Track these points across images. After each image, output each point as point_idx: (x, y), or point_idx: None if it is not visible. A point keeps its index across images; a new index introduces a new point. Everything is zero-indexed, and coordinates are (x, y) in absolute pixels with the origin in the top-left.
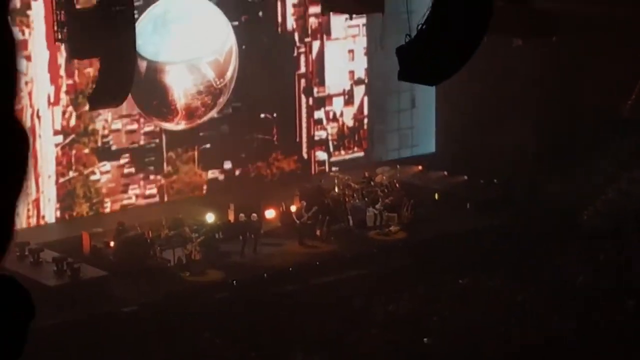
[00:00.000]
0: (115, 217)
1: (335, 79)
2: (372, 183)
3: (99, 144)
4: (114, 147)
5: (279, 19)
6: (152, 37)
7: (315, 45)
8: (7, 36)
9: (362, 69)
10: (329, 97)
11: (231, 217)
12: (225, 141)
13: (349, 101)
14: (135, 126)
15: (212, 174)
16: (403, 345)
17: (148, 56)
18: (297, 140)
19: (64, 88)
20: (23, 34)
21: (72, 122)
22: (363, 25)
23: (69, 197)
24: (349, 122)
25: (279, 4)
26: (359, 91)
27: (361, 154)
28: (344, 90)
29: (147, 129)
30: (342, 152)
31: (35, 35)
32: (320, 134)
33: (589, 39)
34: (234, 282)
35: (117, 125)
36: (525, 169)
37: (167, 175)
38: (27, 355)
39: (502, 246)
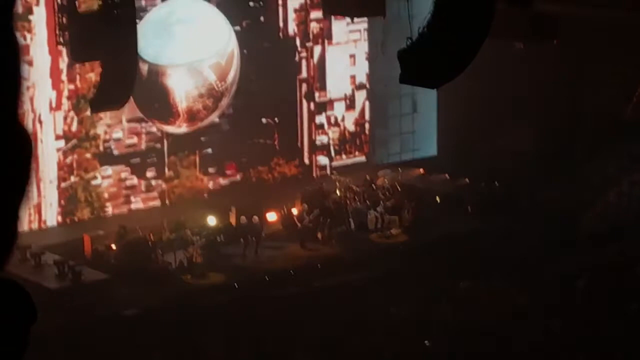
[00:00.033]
0: (117, 220)
1: (337, 83)
2: (373, 186)
3: (101, 148)
4: (115, 152)
5: (281, 24)
6: (153, 40)
7: (317, 50)
8: (11, 42)
9: (363, 74)
10: (331, 102)
11: (232, 220)
12: (227, 146)
13: (350, 106)
14: (136, 131)
15: (213, 178)
16: (404, 348)
17: (149, 59)
18: (299, 144)
19: (65, 93)
20: (25, 39)
21: (74, 127)
22: (364, 30)
23: (70, 201)
24: (351, 127)
25: (280, 8)
26: (361, 96)
27: (362, 158)
28: (345, 95)
29: (149, 133)
30: (344, 156)
31: (37, 40)
32: (321, 139)
33: (590, 42)
34: (236, 284)
35: (119, 130)
36: (527, 171)
37: (168, 179)
38: (29, 358)
39: (503, 249)
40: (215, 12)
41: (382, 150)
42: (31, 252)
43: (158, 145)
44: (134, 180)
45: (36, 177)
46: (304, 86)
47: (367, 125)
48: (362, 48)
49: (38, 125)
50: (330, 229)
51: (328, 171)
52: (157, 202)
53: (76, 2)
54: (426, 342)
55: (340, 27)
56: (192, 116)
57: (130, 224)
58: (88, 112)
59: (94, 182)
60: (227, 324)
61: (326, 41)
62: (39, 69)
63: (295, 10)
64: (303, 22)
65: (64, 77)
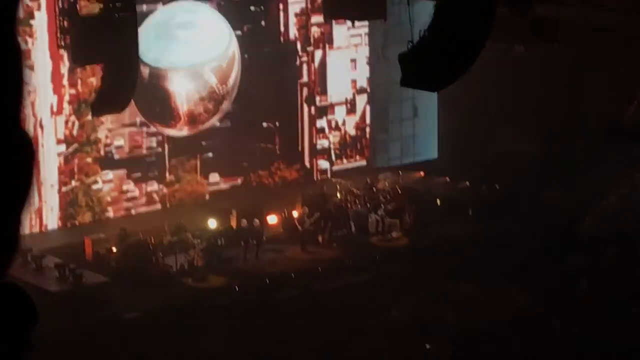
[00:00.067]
0: (118, 223)
1: (338, 88)
2: (374, 189)
3: (102, 153)
4: (116, 156)
5: (282, 28)
6: (154, 44)
7: (318, 54)
8: (14, 47)
9: (364, 78)
10: (331, 106)
11: (233, 223)
12: (228, 150)
13: (351, 110)
14: (137, 135)
15: (214, 182)
16: (405, 351)
17: (150, 62)
18: (299, 149)
19: (66, 97)
20: (26, 43)
21: (75, 131)
22: (365, 34)
23: (71, 206)
24: (351, 131)
25: (281, 13)
26: (361, 100)
27: (363, 162)
28: (346, 99)
29: (150, 137)
30: (344, 160)
31: (38, 44)
32: (322, 143)
33: (590, 45)
34: (236, 287)
35: (120, 134)
36: (527, 174)
37: (169, 184)
38: None
39: (503, 252)
40: (216, 16)
41: (382, 155)
42: (32, 255)
43: (159, 150)
44: (135, 185)
45: (37, 182)
46: (305, 90)
47: (367, 130)
48: (363, 52)
49: (39, 130)
50: (331, 232)
51: (329, 175)
52: (157, 206)
53: (77, 6)
54: (427, 345)
55: (341, 31)
56: (193, 119)
57: (131, 227)
58: (89, 117)
59: (94, 187)
60: (227, 327)
61: (327, 45)
62: (40, 74)
63: (296, 15)
64: (304, 27)
65: (65, 81)
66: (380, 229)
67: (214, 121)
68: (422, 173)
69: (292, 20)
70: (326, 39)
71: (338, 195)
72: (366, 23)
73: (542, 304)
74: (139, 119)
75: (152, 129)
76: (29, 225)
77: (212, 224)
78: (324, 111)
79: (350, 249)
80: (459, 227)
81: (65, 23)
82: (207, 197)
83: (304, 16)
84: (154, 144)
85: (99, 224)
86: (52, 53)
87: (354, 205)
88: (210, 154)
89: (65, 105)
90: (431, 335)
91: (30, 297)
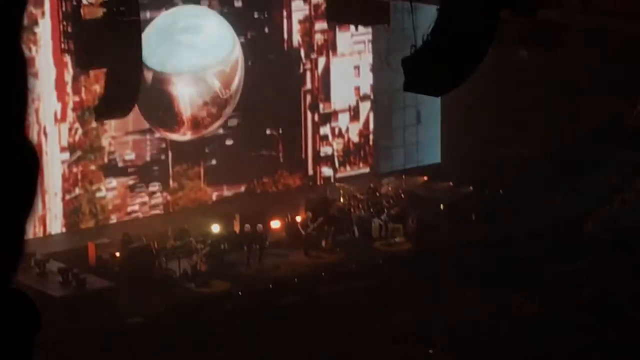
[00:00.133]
0: (121, 228)
1: (341, 95)
2: (377, 194)
3: (105, 160)
4: (120, 164)
5: (285, 35)
6: (158, 48)
7: (321, 61)
8: (18, 56)
9: (367, 85)
10: (335, 113)
11: (237, 228)
12: (231, 157)
13: (354, 117)
14: (141, 142)
15: (217, 190)
16: (408, 356)
17: (154, 67)
18: (303, 156)
19: (70, 105)
20: (30, 51)
21: (79, 138)
22: (369, 41)
23: (75, 213)
24: (355, 138)
25: (285, 20)
26: (365, 107)
27: (367, 169)
28: (349, 106)
29: (154, 145)
30: (348, 167)
31: (42, 52)
32: (325, 150)
33: (593, 50)
34: (240, 292)
35: (123, 141)
36: (530, 179)
37: (172, 191)
38: None
39: (506, 257)
40: (219, 20)
41: (386, 162)
42: (35, 260)
43: (163, 157)
44: (138, 192)
45: (41, 189)
46: (308, 97)
47: (371, 137)
48: (367, 59)
49: (43, 137)
50: (334, 236)
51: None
52: (161, 213)
53: (81, 10)
54: (430, 350)
55: (344, 38)
56: (196, 124)
57: (135, 232)
58: (93, 124)
59: (98, 194)
60: (231, 332)
61: (330, 52)
62: (44, 81)
63: (300, 22)
64: (307, 34)
65: (69, 89)
66: (384, 234)
67: (217, 126)
68: (425, 178)
69: (296, 27)
70: (330, 46)
71: (341, 199)
72: (369, 30)
73: (545, 309)
74: (142, 126)
75: (156, 136)
76: (32, 233)
77: (216, 228)
78: (327, 118)
79: (354, 253)
80: (462, 232)
81: (69, 28)
82: (211, 204)
83: (307, 23)
84: (158, 152)
85: (102, 229)
86: (56, 60)
87: (357, 210)
88: (213, 162)
89: (69, 112)
90: (434, 340)
91: (33, 302)
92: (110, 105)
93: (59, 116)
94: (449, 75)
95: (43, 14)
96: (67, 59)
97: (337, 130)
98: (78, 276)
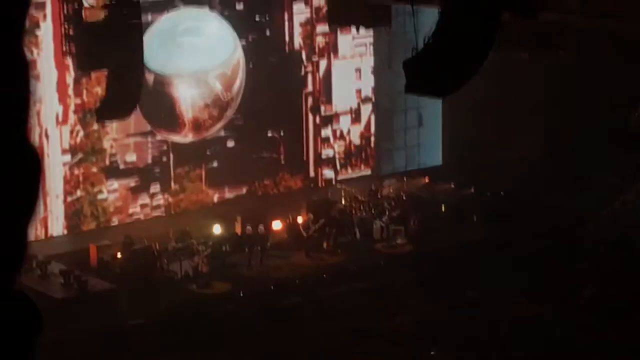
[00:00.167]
0: (123, 229)
1: (343, 97)
2: (379, 196)
3: (107, 162)
4: (121, 166)
5: (287, 38)
6: (159, 51)
7: (323, 63)
8: (20, 58)
9: (369, 88)
10: (336, 116)
11: (238, 229)
12: (233, 159)
13: (356, 119)
14: (142, 145)
15: (219, 192)
16: (409, 357)
17: (155, 69)
18: (304, 158)
19: (72, 107)
20: (32, 54)
21: (80, 141)
22: (370, 44)
23: (76, 216)
24: (356, 140)
25: (286, 23)
26: (366, 109)
27: (368, 171)
28: (351, 109)
29: (155, 147)
30: (349, 170)
31: (44, 55)
32: (327, 152)
33: (595, 51)
34: (241, 294)
35: (125, 144)
36: (532, 181)
37: (174, 193)
38: None
39: (508, 258)
40: (220, 23)
41: (387, 164)
42: (37, 262)
43: (164, 159)
44: (140, 194)
45: (42, 192)
46: (310, 100)
47: (372, 139)
48: (368, 62)
49: (45, 140)
50: (336, 238)
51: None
52: (162, 214)
53: (83, 13)
54: (432, 352)
55: (346, 41)
56: (197, 126)
57: (136, 234)
58: (95, 126)
59: (100, 197)
60: (232, 333)
61: (332, 55)
62: (45, 84)
63: (301, 25)
64: (309, 36)
65: (70, 91)
66: (385, 236)
67: (219, 128)
68: (426, 179)
69: (297, 29)
70: (331, 49)
71: (343, 201)
72: (371, 33)
73: (546, 310)
74: (144, 128)
75: (157, 138)
76: (34, 235)
77: (217, 230)
78: (328, 120)
79: (355, 255)
80: (464, 234)
81: (71, 30)
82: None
83: (308, 26)
84: (159, 154)
85: (103, 230)
86: (57, 63)
87: (358, 212)
88: (215, 164)
89: (71, 115)
90: (435, 341)
91: (35, 304)
92: (112, 108)
93: (60, 118)
94: (450, 77)
95: (45, 16)
96: (69, 61)
97: (338, 133)
98: (79, 278)
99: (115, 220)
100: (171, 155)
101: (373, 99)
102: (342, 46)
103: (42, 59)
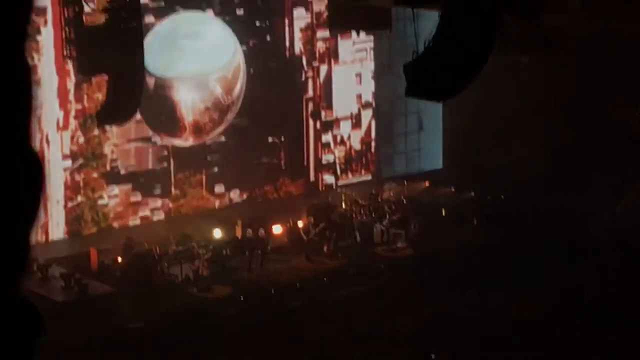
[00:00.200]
0: (123, 233)
1: (343, 102)
2: (379, 199)
3: (108, 168)
4: (122, 172)
5: (287, 43)
6: (160, 54)
7: (323, 69)
8: (23, 64)
9: (369, 93)
10: (337, 121)
11: (238, 233)
12: (233, 165)
13: (356, 124)
14: (143, 150)
15: (219, 197)
16: None
17: (156, 72)
18: (305, 163)
19: (73, 113)
20: (32, 59)
21: (81, 146)
22: (370, 49)
23: (77, 221)
24: (357, 146)
25: (286, 28)
26: (367, 114)
27: (369, 176)
28: (351, 114)
29: (156, 152)
30: (350, 175)
31: (45, 60)
32: (327, 158)
33: (596, 54)
34: (242, 297)
35: (125, 149)
36: (532, 184)
37: (174, 198)
38: None
39: (508, 261)
40: (221, 26)
41: (388, 169)
42: (38, 265)
43: (165, 165)
44: (140, 200)
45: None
46: (310, 105)
47: (373, 144)
48: (368, 67)
49: (45, 145)
50: (336, 242)
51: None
52: (162, 218)
53: (83, 16)
54: (432, 355)
55: (346, 46)
56: (198, 129)
57: (137, 237)
58: (95, 132)
59: (100, 202)
60: (232, 337)
61: (332, 60)
62: (46, 89)
63: (302, 30)
64: (309, 42)
65: (71, 96)
66: (385, 239)
67: (219, 131)
68: (427, 183)
69: (298, 35)
70: (331, 54)
71: (343, 205)
72: (371, 38)
73: (546, 312)
74: (144, 134)
75: (158, 144)
76: (34, 240)
77: (217, 234)
78: (329, 126)
79: (355, 259)
80: (464, 237)
81: (71, 34)
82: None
83: (309, 31)
84: (160, 159)
85: (104, 234)
86: (58, 68)
87: (359, 216)
88: (215, 169)
89: (72, 120)
90: (436, 344)
91: (37, 308)
92: (113, 111)
93: (61, 124)
94: (450, 80)
95: (45, 22)
96: (70, 67)
97: (339, 138)
98: (80, 281)
99: (115, 226)
100: (172, 161)
101: (373, 104)
102: (342, 51)
103: (42, 65)
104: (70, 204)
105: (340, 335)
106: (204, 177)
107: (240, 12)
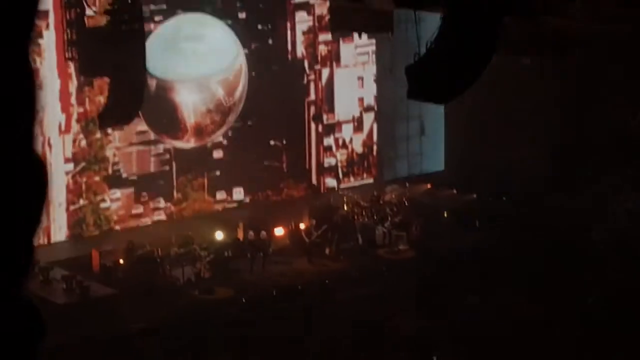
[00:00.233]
0: (125, 235)
1: (345, 105)
2: (381, 202)
3: (110, 171)
4: (124, 175)
5: (289, 47)
6: (162, 56)
7: (325, 72)
8: (27, 68)
9: (371, 96)
10: (339, 124)
11: (240, 235)
12: (235, 168)
13: (358, 128)
14: (145, 153)
15: (221, 201)
16: None
17: (158, 74)
18: (307, 167)
19: (75, 116)
20: (34, 62)
21: (83, 150)
22: (372, 52)
23: (79, 224)
24: (358, 149)
25: (288, 31)
26: (369, 118)
27: (370, 180)
28: (353, 117)
29: (158, 156)
30: (352, 178)
31: (47, 63)
32: (329, 161)
33: (598, 56)
34: (243, 299)
35: (127, 152)
36: (534, 187)
37: (176, 202)
38: None
39: (510, 264)
40: (222, 28)
41: (390, 172)
42: (39, 267)
43: (167, 168)
44: (142, 203)
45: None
46: (312, 108)
47: (374, 147)
48: (370, 70)
49: (47, 149)
50: (338, 244)
51: None
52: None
53: (85, 18)
54: (434, 357)
55: (348, 49)
56: (199, 131)
57: (138, 239)
58: (97, 135)
59: (102, 205)
60: (234, 339)
61: (334, 63)
62: (48, 92)
63: (304, 33)
64: (311, 45)
65: (73, 100)
66: (387, 241)
67: (221, 133)
68: (429, 185)
69: (300, 38)
70: (333, 57)
71: (345, 207)
72: (373, 41)
73: (548, 315)
74: (146, 137)
75: (160, 147)
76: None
77: (219, 236)
78: (331, 129)
79: (357, 261)
80: (466, 239)
81: (73, 36)
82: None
83: (311, 34)
84: (162, 163)
85: (106, 236)
86: (60, 72)
87: (360, 218)
88: (217, 172)
89: (74, 123)
90: (438, 347)
91: (39, 310)
92: (114, 113)
93: (63, 127)
94: (452, 82)
95: (47, 25)
96: (72, 70)
97: (340, 141)
98: (82, 283)
99: (117, 229)
100: (174, 164)
101: (375, 108)
102: (344, 55)
103: (44, 68)
104: (72, 208)
105: (342, 338)
106: (205, 180)
107: (242, 15)
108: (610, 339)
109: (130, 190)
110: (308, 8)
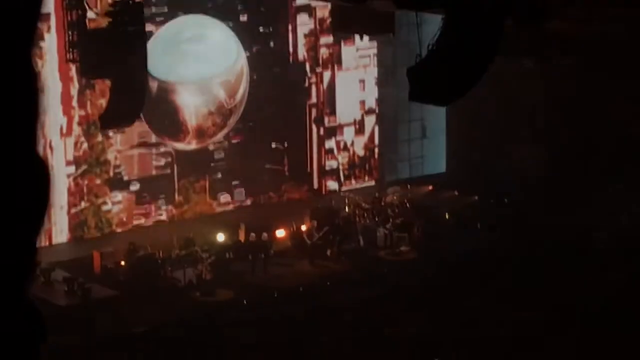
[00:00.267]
0: (126, 237)
1: (346, 108)
2: (382, 203)
3: (111, 174)
4: (125, 178)
5: (290, 49)
6: (163, 58)
7: (326, 75)
8: (29, 72)
9: (372, 99)
10: (340, 127)
11: (242, 237)
12: (236, 171)
13: (359, 131)
14: (147, 156)
15: (223, 203)
16: None
17: (159, 76)
18: (308, 170)
19: (76, 119)
20: (36, 65)
21: (85, 152)
22: (374, 55)
23: (80, 227)
24: (360, 152)
25: (290, 34)
26: (370, 121)
27: (372, 183)
28: (354, 120)
29: (159, 158)
30: (353, 181)
31: (48, 66)
32: (331, 164)
33: (601, 60)
34: (245, 301)
35: (129, 155)
36: (536, 189)
37: (178, 204)
38: None
39: (512, 266)
40: (224, 30)
41: (391, 175)
42: (41, 269)
43: (168, 171)
44: (144, 206)
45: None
46: (314, 111)
47: (376, 150)
48: (372, 73)
49: (49, 151)
50: (340, 246)
51: None
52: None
53: (86, 20)
54: (435, 359)
55: (349, 52)
56: (201, 133)
57: (140, 241)
58: (99, 138)
59: (104, 208)
60: (235, 340)
61: (336, 66)
62: (50, 95)
63: (305, 36)
64: (313, 48)
65: (74, 103)
66: (389, 243)
67: (222, 135)
68: (430, 187)
69: (301, 41)
70: (335, 60)
71: (346, 209)
72: (374, 44)
73: (550, 319)
74: (148, 140)
75: (161, 150)
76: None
77: (221, 238)
78: (332, 132)
79: (359, 262)
80: (468, 241)
81: (74, 37)
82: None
83: (312, 37)
84: (163, 165)
85: (107, 237)
86: (61, 75)
87: (362, 219)
88: (219, 175)
89: (75, 126)
90: (440, 349)
91: (40, 311)
92: (116, 115)
93: (64, 130)
94: (453, 84)
95: (49, 28)
96: (73, 73)
97: (342, 144)
98: (83, 285)
99: (119, 231)
100: (175, 167)
101: (377, 110)
102: (345, 57)
103: (46, 71)
104: (73, 210)
105: (344, 340)
106: (207, 183)
107: (243, 17)
108: (610, 339)
109: (132, 193)
110: (309, 11)
